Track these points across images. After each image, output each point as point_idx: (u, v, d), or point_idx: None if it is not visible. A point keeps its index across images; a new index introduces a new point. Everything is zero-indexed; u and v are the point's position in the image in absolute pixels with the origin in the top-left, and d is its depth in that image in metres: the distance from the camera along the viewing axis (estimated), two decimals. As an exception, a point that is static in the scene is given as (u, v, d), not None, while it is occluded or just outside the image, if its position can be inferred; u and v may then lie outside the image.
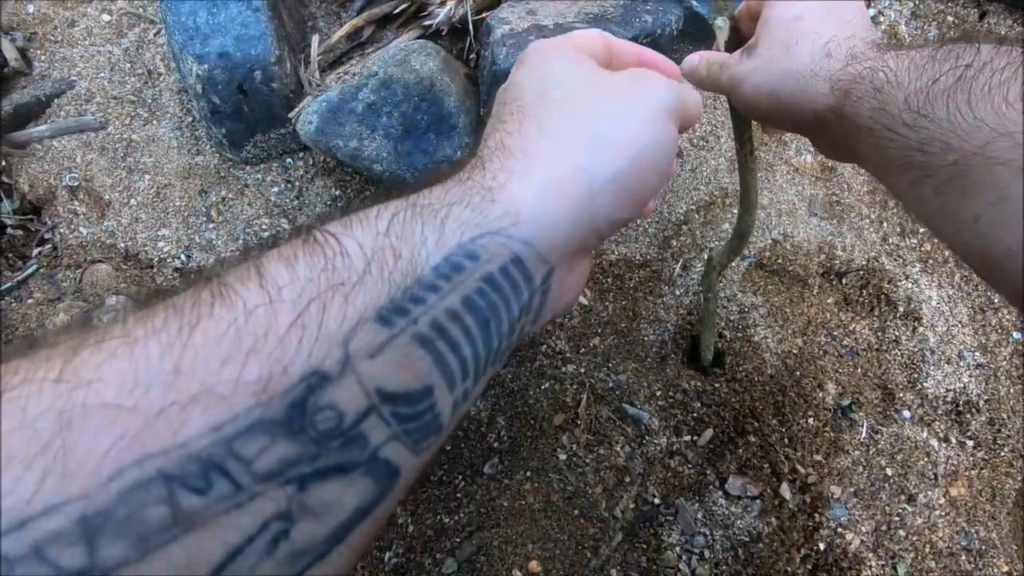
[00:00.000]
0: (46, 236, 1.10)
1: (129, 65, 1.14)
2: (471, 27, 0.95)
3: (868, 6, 1.43)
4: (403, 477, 0.24)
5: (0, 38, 1.15)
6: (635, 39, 0.93)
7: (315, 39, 1.00)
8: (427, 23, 0.97)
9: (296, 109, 0.96)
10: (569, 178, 0.28)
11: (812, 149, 1.25)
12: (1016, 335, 1.19)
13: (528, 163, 0.28)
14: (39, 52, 1.17)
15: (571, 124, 0.29)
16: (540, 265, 0.28)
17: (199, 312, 0.21)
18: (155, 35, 1.15)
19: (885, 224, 1.22)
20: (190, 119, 1.09)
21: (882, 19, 1.42)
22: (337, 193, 1.04)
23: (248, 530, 0.19)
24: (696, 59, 0.60)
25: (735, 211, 1.16)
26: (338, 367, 0.21)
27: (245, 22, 0.90)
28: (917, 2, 1.44)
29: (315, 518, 0.20)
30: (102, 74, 1.13)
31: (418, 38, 1.02)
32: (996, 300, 1.20)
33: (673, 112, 0.32)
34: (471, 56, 0.99)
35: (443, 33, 1.01)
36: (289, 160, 1.06)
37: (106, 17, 1.18)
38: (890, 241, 1.20)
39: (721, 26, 0.68)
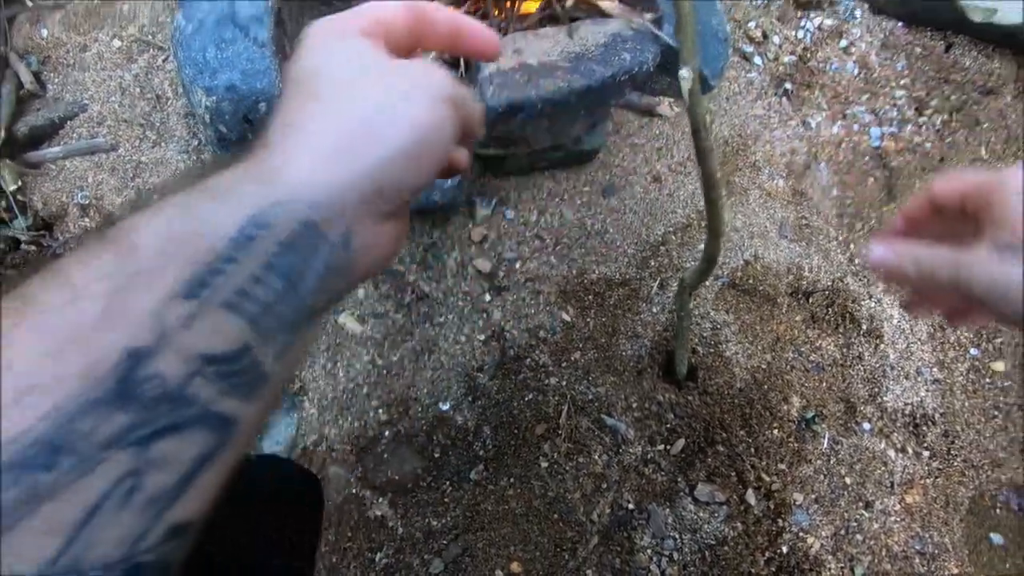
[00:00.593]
0: (58, 251, 1.16)
1: (139, 90, 1.20)
2: (462, 62, 1.02)
3: (840, 37, 1.51)
4: (243, 424, 0.27)
5: (16, 62, 1.21)
6: (614, 76, 0.99)
7: (316, 71, 1.07)
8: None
9: (297, 137, 1.03)
10: (350, 150, 0.30)
11: (784, 173, 1.33)
12: (973, 351, 1.27)
13: (309, 139, 0.30)
14: (53, 75, 1.23)
15: (352, 103, 0.32)
16: (331, 225, 0.30)
17: (13, 319, 0.24)
18: (163, 61, 1.22)
19: (852, 246, 1.30)
20: (196, 142, 1.15)
21: (853, 50, 1.49)
22: (335, 214, 1.11)
23: (101, 489, 0.23)
24: (889, 254, 0.46)
25: (710, 233, 1.23)
26: (155, 340, 0.25)
27: (251, 57, 0.97)
28: (887, 33, 1.52)
29: (160, 470, 0.24)
30: (113, 98, 1.19)
31: (413, 70, 1.09)
32: (955, 318, 1.28)
33: (453, 99, 0.34)
34: (468, 79, 1.05)
35: (436, 66, 1.07)
36: (290, 182, 1.13)
37: (117, 43, 1.24)
38: (856, 262, 1.28)
39: (685, 76, 0.76)
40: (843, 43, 1.50)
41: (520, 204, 1.16)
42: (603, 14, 1.07)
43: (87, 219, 1.15)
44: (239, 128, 1.00)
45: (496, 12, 1.07)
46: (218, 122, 0.98)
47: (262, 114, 0.99)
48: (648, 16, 1.08)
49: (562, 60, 0.98)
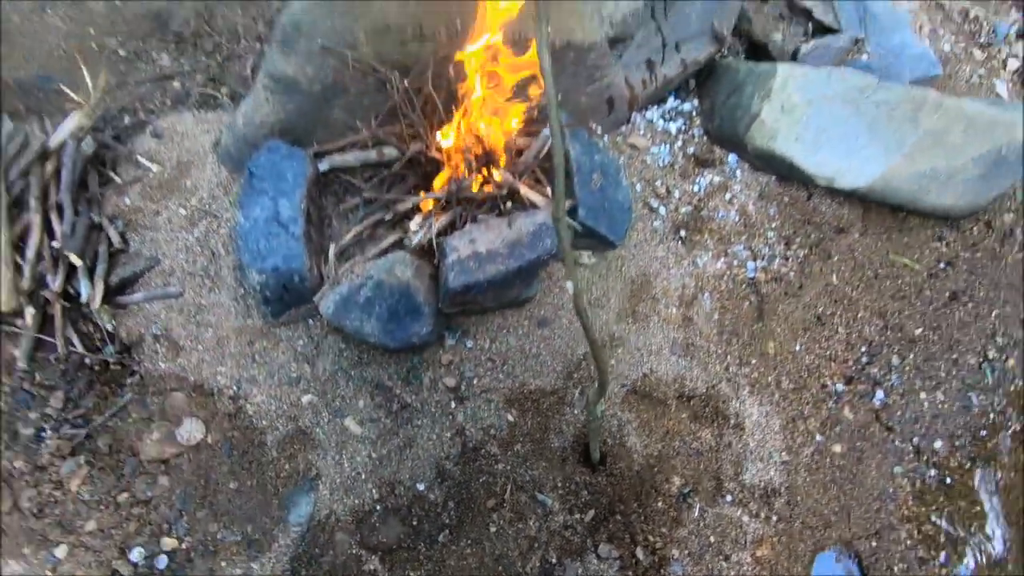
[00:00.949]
0: (134, 369, 1.56)
1: (199, 248, 1.63)
2: (435, 246, 1.46)
3: (726, 191, 1.99)
4: None
5: (107, 226, 1.64)
6: (539, 257, 1.44)
7: (332, 247, 1.51)
8: (406, 242, 1.48)
9: (319, 294, 1.46)
10: None
11: (676, 303, 1.78)
12: (819, 437, 1.70)
13: None
14: (134, 235, 1.66)
15: None
16: None
17: None
18: (217, 226, 1.65)
19: (729, 356, 1.74)
20: (242, 291, 1.58)
21: (735, 200, 1.97)
22: (343, 346, 1.54)
23: None
24: None
25: (619, 351, 1.67)
26: None
27: (289, 246, 1.41)
28: (762, 186, 2.00)
29: None
30: (180, 255, 1.62)
31: (399, 242, 1.54)
32: (805, 412, 1.72)
33: None
34: (436, 261, 1.50)
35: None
36: (311, 321, 1.56)
37: (183, 211, 1.68)
38: (730, 370, 1.72)
39: (569, 288, 1.20)
40: (728, 195, 1.97)
41: (477, 335, 1.59)
42: (534, 205, 1.53)
43: (158, 345, 1.57)
44: (279, 293, 1.43)
45: (458, 203, 1.53)
46: (265, 291, 1.42)
47: (295, 283, 1.43)
48: (567, 204, 1.54)
49: (502, 247, 1.43)
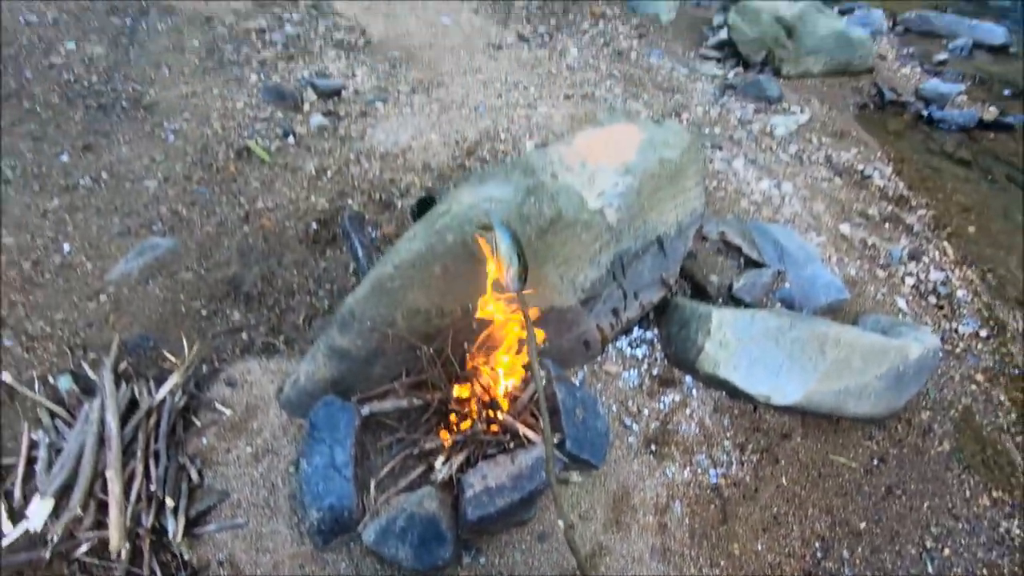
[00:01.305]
0: (201, 592, 1.86)
1: (262, 481, 2.02)
2: (454, 480, 1.87)
3: (686, 407, 2.44)
4: None
5: (188, 465, 2.04)
6: (536, 487, 1.84)
7: (372, 482, 1.91)
8: (432, 477, 1.89)
9: (362, 524, 1.83)
10: None
11: (652, 511, 2.13)
12: (786, 633, 1.96)
13: None
14: (208, 471, 2.06)
15: None
16: None
17: None
18: (278, 463, 2.06)
19: (700, 559, 2.05)
20: (296, 519, 1.94)
21: (694, 415, 2.41)
22: (378, 567, 1.86)
23: None
24: None
25: (607, 559, 1.99)
26: None
27: (342, 486, 1.80)
28: (715, 401, 2.46)
29: None
30: (246, 489, 2.00)
31: (424, 472, 1.94)
32: (772, 608, 1.99)
33: None
34: (455, 492, 1.89)
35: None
36: (352, 545, 1.90)
37: (249, 450, 2.09)
38: (703, 571, 2.02)
39: (561, 525, 1.59)
40: (688, 410, 2.42)
41: (488, 552, 1.92)
42: (529, 440, 1.96)
43: (222, 570, 1.88)
44: (331, 525, 1.80)
45: (472, 443, 1.95)
46: (320, 524, 1.79)
47: (345, 517, 1.80)
48: (556, 437, 1.97)
49: (508, 480, 1.83)
